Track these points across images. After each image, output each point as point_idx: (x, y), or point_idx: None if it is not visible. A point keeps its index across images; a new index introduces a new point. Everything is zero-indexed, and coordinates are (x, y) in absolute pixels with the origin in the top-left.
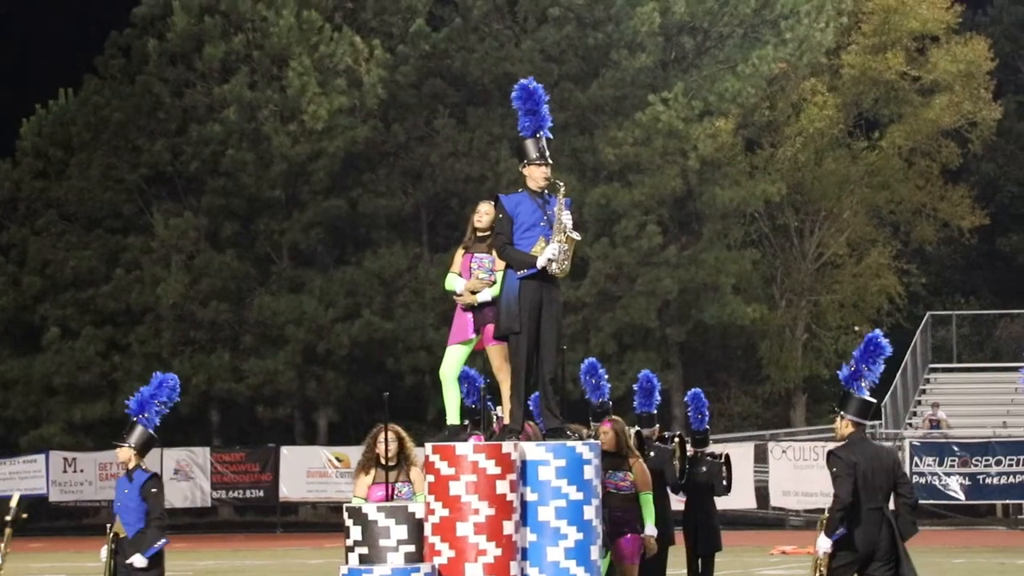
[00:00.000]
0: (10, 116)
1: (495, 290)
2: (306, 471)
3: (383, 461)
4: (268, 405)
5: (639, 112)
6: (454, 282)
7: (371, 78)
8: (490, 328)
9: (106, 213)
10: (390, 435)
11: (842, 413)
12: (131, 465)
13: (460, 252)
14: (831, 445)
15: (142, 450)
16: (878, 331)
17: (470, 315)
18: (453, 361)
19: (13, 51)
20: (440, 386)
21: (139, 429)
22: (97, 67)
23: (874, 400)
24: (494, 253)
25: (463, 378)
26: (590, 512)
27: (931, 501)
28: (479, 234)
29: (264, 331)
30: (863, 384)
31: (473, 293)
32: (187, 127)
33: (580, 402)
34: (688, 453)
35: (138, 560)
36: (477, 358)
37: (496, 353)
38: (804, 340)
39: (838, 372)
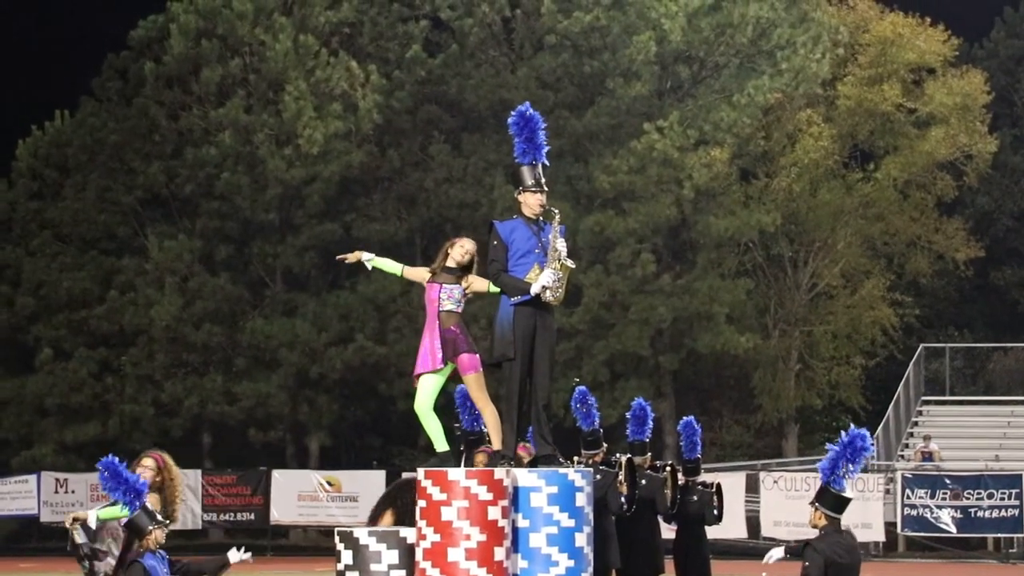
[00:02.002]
0: (6, 137)
1: (376, 262)
2: (297, 495)
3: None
4: (260, 428)
5: (634, 140)
6: (380, 260)
7: (367, 103)
8: (464, 358)
9: (101, 235)
10: (149, 462)
11: (817, 505)
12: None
13: (425, 271)
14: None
15: (133, 535)
16: (863, 430)
17: (438, 343)
18: (427, 393)
19: (10, 72)
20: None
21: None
22: (94, 89)
23: (851, 497)
24: (463, 283)
25: (465, 403)
26: (581, 539)
27: (922, 534)
28: (450, 265)
29: (257, 354)
30: (844, 480)
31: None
32: (183, 150)
33: (571, 429)
34: (679, 482)
35: None
36: (451, 383)
37: (472, 383)
38: (797, 370)
39: (819, 466)
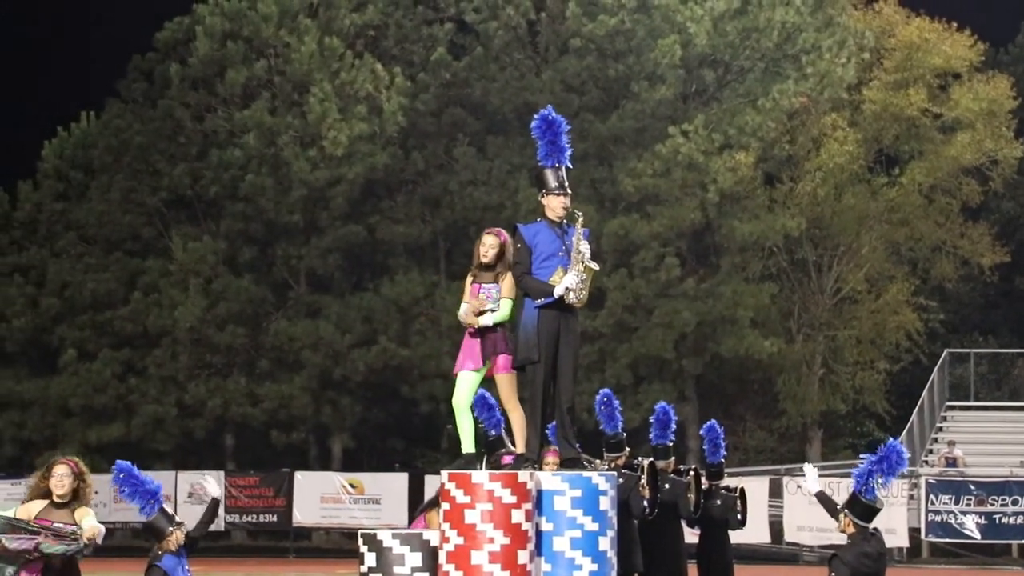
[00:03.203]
0: (32, 138)
1: (499, 316)
2: (320, 496)
3: (54, 498)
4: (283, 430)
5: (659, 144)
6: (462, 309)
7: (391, 105)
8: (501, 358)
9: (125, 236)
10: (64, 469)
11: (846, 511)
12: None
13: (469, 279)
14: (844, 483)
15: (153, 537)
16: (900, 444)
17: (478, 342)
18: (465, 389)
19: (36, 73)
20: (454, 414)
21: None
22: (119, 91)
23: (881, 507)
24: (501, 282)
25: (484, 405)
26: (605, 543)
27: (946, 540)
28: (484, 263)
29: (280, 356)
30: (876, 491)
31: (478, 315)
32: (207, 152)
33: (594, 432)
34: (703, 486)
35: None
36: (493, 386)
37: (505, 383)
38: (821, 375)
39: (854, 473)
